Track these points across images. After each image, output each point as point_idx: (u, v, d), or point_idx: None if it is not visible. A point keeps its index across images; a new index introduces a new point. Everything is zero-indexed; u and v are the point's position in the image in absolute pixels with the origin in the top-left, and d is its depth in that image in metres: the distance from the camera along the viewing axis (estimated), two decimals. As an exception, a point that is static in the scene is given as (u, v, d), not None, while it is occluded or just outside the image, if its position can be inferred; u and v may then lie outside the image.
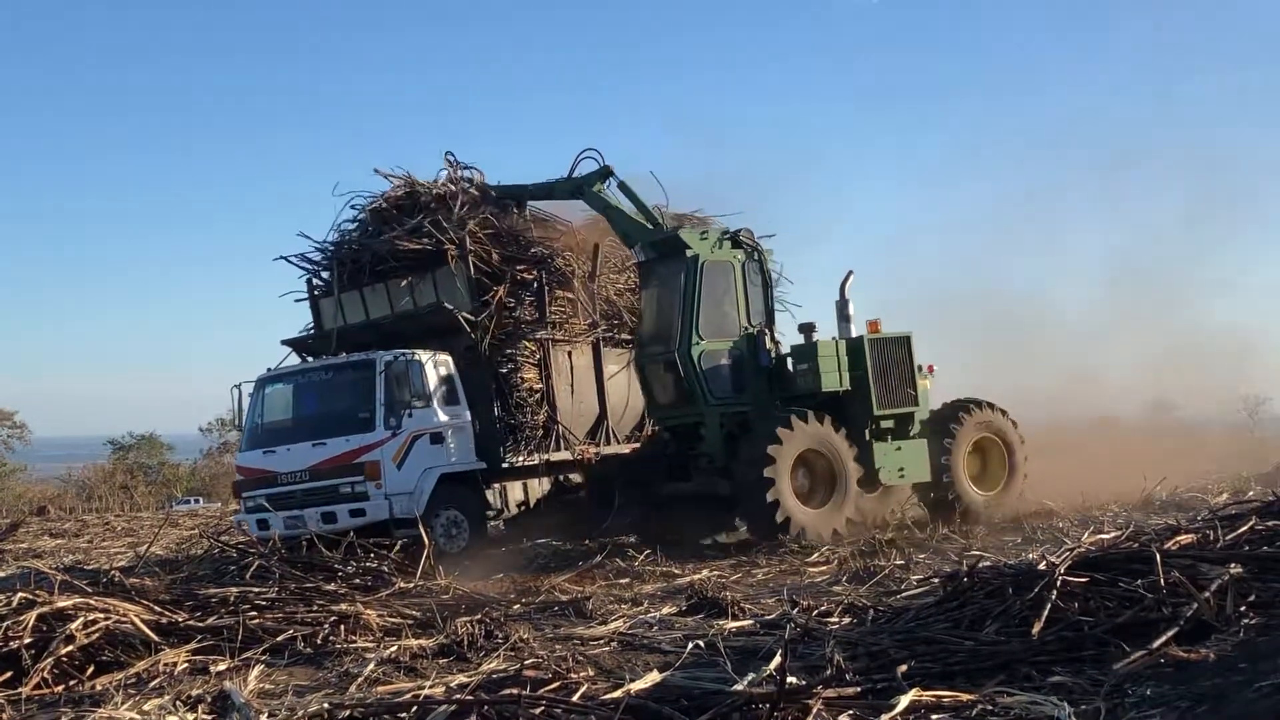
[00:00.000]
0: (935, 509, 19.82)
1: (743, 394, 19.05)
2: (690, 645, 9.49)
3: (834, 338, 19.50)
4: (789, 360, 19.53)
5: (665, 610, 11.88)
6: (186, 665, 9.75)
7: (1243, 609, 8.26)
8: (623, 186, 19.88)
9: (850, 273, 20.05)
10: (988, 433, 20.49)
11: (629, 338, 21.20)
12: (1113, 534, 14.03)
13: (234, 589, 12.28)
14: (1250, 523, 10.90)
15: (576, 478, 21.17)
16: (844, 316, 19.83)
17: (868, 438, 19.12)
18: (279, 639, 10.43)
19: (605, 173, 19.87)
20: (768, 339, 19.18)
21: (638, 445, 21.39)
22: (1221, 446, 29.96)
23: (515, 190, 21.27)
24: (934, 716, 6.56)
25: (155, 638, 10.17)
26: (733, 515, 18.99)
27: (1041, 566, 9.14)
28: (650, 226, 19.58)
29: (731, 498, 18.41)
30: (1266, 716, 5.22)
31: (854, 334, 19.65)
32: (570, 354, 20.44)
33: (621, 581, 14.33)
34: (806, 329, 19.73)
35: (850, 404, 19.11)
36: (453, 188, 20.47)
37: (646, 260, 19.77)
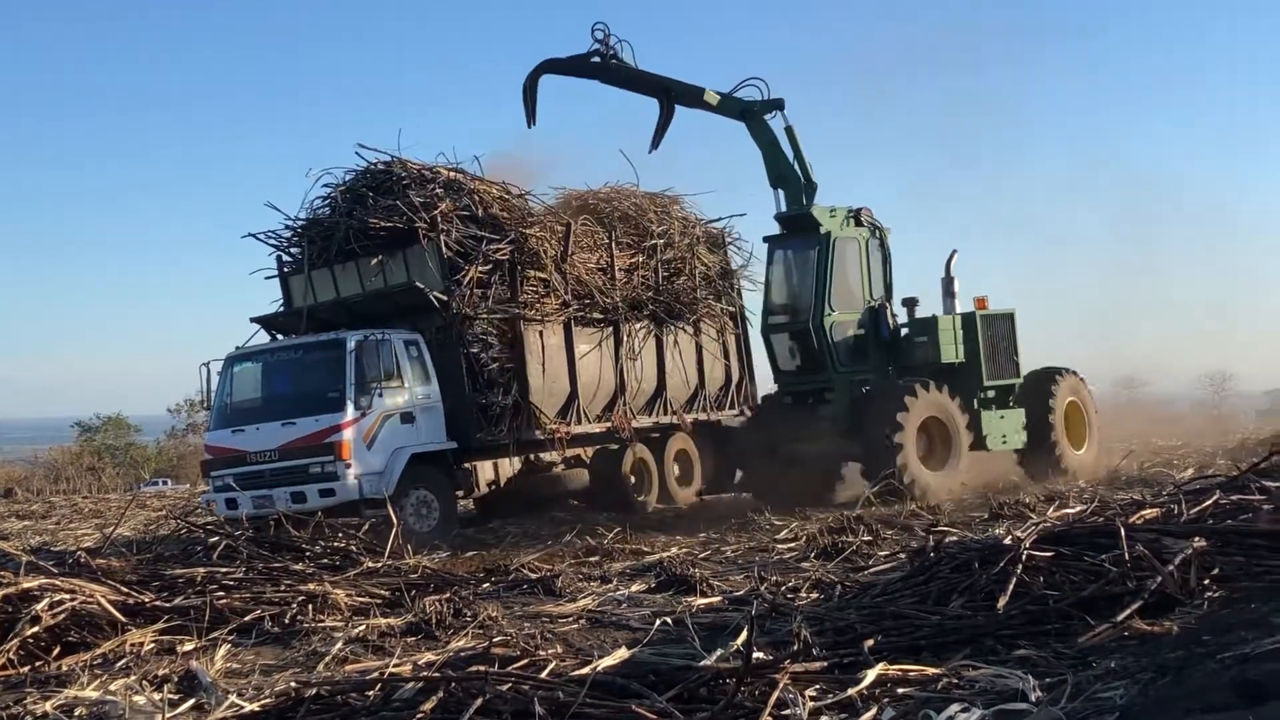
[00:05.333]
0: (1034, 471, 21.07)
1: (865, 363, 20.64)
2: (658, 622, 9.52)
3: (946, 313, 21.21)
4: (903, 332, 21.11)
5: (634, 588, 11.89)
6: (153, 645, 9.70)
7: (1206, 582, 8.34)
8: (789, 131, 20.66)
9: (954, 251, 21.83)
10: (1073, 397, 22.30)
11: (600, 317, 21.23)
12: (1078, 509, 14.13)
13: (201, 569, 12.22)
14: (1214, 497, 11.01)
15: (547, 457, 21.18)
16: (949, 293, 21.52)
17: (976, 406, 20.75)
18: (246, 619, 10.40)
19: (777, 103, 20.59)
20: (888, 312, 20.82)
21: (608, 425, 21.62)
22: (1187, 422, 30.19)
23: (664, 81, 21.19)
24: (900, 690, 6.59)
25: (122, 618, 10.12)
26: (847, 476, 20.52)
27: (1007, 541, 9.18)
28: (804, 180, 20.52)
29: (861, 458, 19.61)
30: (1228, 688, 5.26)
31: (958, 309, 21.32)
32: (542, 334, 20.39)
33: (590, 559, 14.32)
34: (910, 303, 21.34)
35: (961, 375, 20.75)
36: (429, 170, 20.34)
37: (776, 235, 21.03)
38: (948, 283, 21.58)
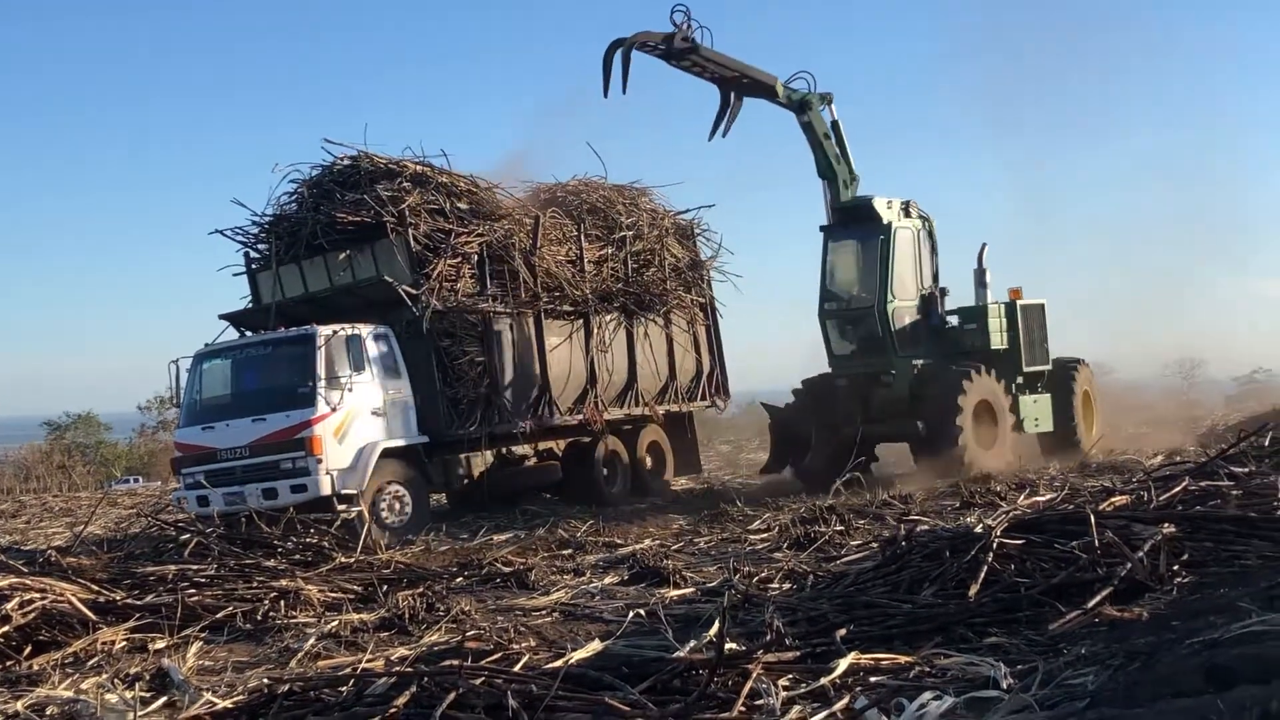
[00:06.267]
0: (1054, 452, 22.13)
1: (919, 348, 21.67)
2: (631, 614, 9.55)
3: (994, 302, 22.42)
4: (952, 319, 22.45)
5: (607, 580, 11.92)
6: (125, 644, 9.68)
7: (1175, 568, 8.41)
8: (835, 124, 21.65)
9: (984, 244, 22.96)
10: (1088, 386, 23.76)
11: (570, 309, 21.21)
12: (1048, 496, 14.22)
13: (172, 567, 12.19)
14: (1183, 483, 11.10)
15: (520, 450, 21.15)
16: (981, 283, 22.65)
17: (1014, 391, 22.00)
18: (218, 616, 10.38)
19: (828, 97, 21.51)
20: (939, 300, 22.02)
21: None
22: (1157, 409, 30.36)
23: (747, 69, 21.27)
24: (872, 679, 6.61)
25: (93, 616, 10.08)
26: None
27: (978, 530, 9.24)
28: (850, 172, 21.61)
29: (923, 438, 20.77)
30: (1197, 673, 5.30)
31: (989, 300, 22.47)
32: (512, 326, 20.35)
33: (564, 553, 14.32)
34: (942, 292, 22.25)
35: (1003, 361, 21.89)
36: (395, 164, 20.23)
37: (832, 224, 21.92)
38: (980, 274, 22.69)
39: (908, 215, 21.83)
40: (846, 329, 22.17)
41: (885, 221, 21.31)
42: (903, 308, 21.54)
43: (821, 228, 22.21)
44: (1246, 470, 11.94)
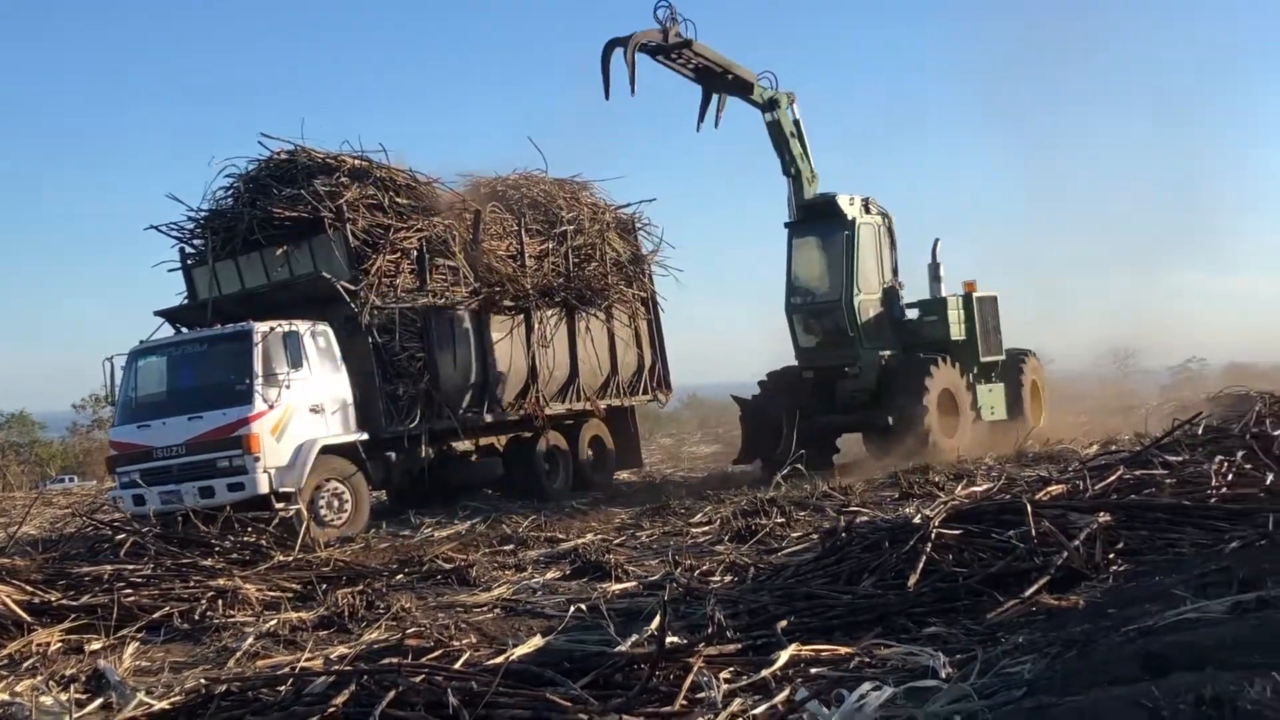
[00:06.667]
0: (1003, 439, 22.20)
1: (883, 340, 22.41)
2: (573, 609, 9.54)
3: (953, 294, 23.13)
4: (911, 312, 23.21)
5: (549, 575, 11.91)
6: (60, 645, 9.58)
7: (1111, 556, 8.51)
8: (797, 123, 22.26)
9: (937, 240, 23.80)
10: (1035, 376, 24.63)
11: (511, 304, 21.13)
12: (986, 486, 14.33)
13: (108, 567, 12.08)
14: (1118, 472, 11.24)
15: (461, 446, 21.06)
16: (935, 277, 23.42)
17: (971, 381, 22.85)
18: (155, 616, 10.30)
19: (791, 96, 22.11)
20: (899, 294, 22.86)
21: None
22: (1094, 399, 30.69)
23: (732, 66, 21.53)
24: (813, 670, 6.64)
25: (27, 618, 9.98)
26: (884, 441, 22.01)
27: (917, 520, 9.30)
28: (811, 170, 22.30)
29: (891, 428, 21.30)
30: (1133, 660, 5.36)
31: (943, 293, 23.21)
32: (452, 322, 20.25)
33: (505, 548, 14.28)
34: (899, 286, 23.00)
35: (961, 352, 22.65)
36: (333, 159, 20.04)
37: (797, 220, 22.54)
38: (934, 268, 23.42)
39: (868, 211, 22.46)
40: (812, 323, 22.77)
41: (849, 217, 21.99)
42: (867, 301, 22.23)
43: (786, 224, 22.77)
44: (1180, 459, 12.08)
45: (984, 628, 7.30)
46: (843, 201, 22.10)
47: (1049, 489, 10.78)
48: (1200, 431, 13.94)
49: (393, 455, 19.60)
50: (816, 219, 22.43)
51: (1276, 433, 12.33)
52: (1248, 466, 11.14)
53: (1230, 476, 10.76)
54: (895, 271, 23.12)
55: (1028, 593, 7.69)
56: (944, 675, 6.23)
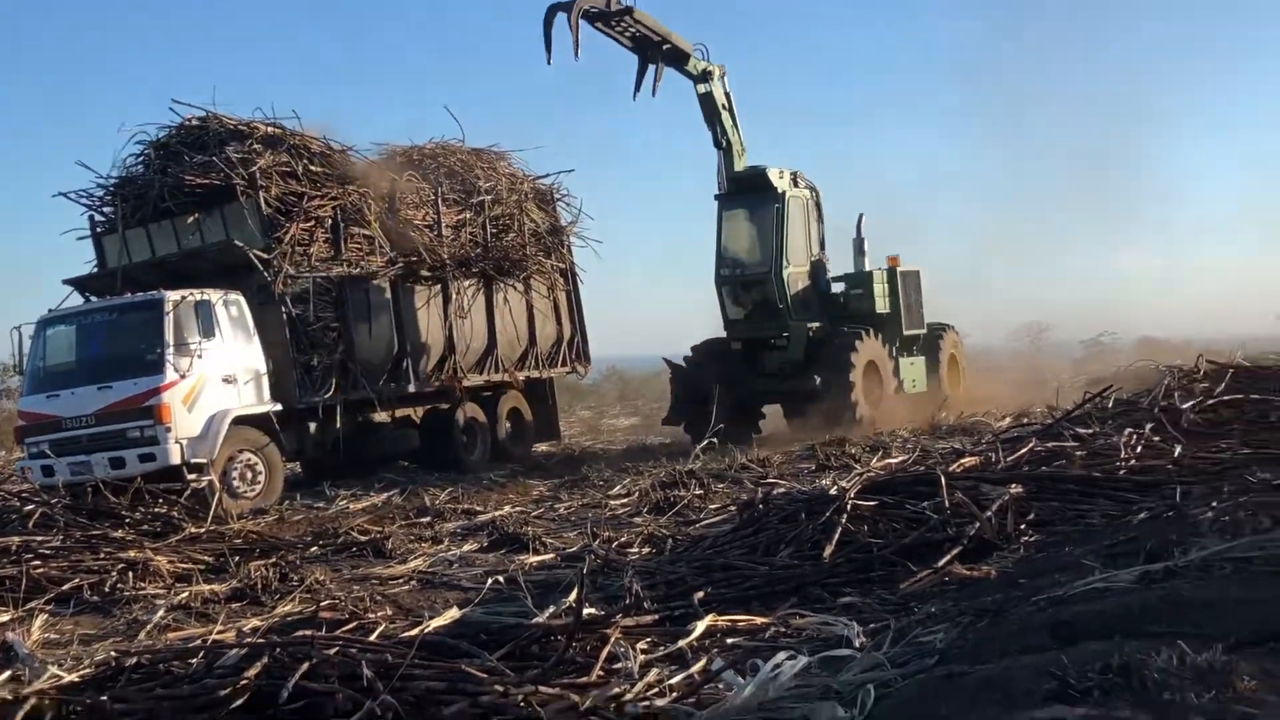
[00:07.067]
0: (923, 411, 22.39)
1: (811, 313, 22.74)
2: (490, 581, 9.51)
3: (878, 268, 23.63)
4: (837, 286, 23.65)
5: (466, 548, 11.87)
6: (-34, 618, 9.38)
7: (1022, 527, 8.64)
8: (727, 95, 22.46)
9: (861, 214, 24.22)
10: (953, 350, 25.20)
11: (428, 275, 20.96)
12: (900, 459, 14.47)
13: (16, 538, 11.85)
14: (1030, 444, 11.39)
15: (376, 418, 20.90)
16: (860, 251, 23.91)
17: (894, 354, 23.27)
18: (64, 588, 10.16)
19: (723, 69, 22.37)
20: (825, 267, 23.30)
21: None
22: (1007, 373, 31.08)
23: (670, 36, 21.56)
24: (729, 640, 6.67)
25: (-69, 591, 9.77)
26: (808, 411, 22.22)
27: (833, 492, 9.36)
28: (741, 144, 22.51)
29: (817, 395, 21.66)
30: (1043, 629, 5.42)
31: (867, 267, 23.74)
32: (367, 292, 20.06)
33: (422, 520, 14.19)
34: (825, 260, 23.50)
35: (885, 325, 23.05)
36: (246, 125, 19.73)
37: (727, 193, 22.80)
38: (859, 243, 23.91)
39: (797, 185, 22.83)
40: (742, 294, 23.05)
41: (779, 190, 22.33)
42: (796, 274, 22.58)
43: (716, 196, 23.02)
44: (1091, 431, 12.27)
45: (898, 598, 7.38)
46: (773, 174, 22.41)
47: (962, 461, 10.89)
48: (1110, 405, 14.16)
49: (309, 426, 19.42)
50: (746, 191, 22.72)
51: (1185, 406, 12.52)
52: (1156, 439, 11.34)
53: (1139, 449, 10.94)
54: (823, 245, 23.48)
55: (941, 563, 7.77)
56: (858, 645, 6.28)
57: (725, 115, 22.35)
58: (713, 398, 21.26)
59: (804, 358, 22.34)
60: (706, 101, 22.21)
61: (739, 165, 22.61)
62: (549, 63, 20.51)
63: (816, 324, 22.64)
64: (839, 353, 21.76)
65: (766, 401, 23.69)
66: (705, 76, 22.08)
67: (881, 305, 23.26)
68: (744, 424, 22.25)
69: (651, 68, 21.94)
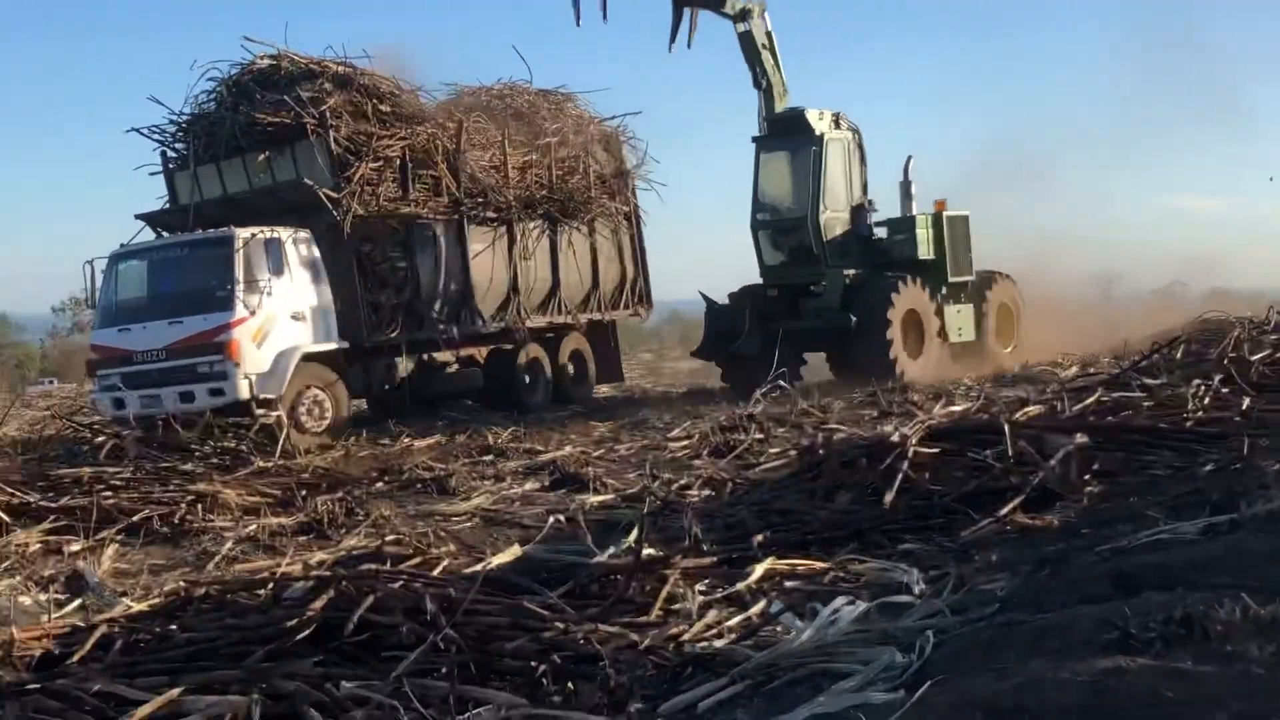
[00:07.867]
0: (976, 361, 22.34)
1: (849, 259, 22.12)
2: (551, 520, 9.59)
3: (921, 213, 22.72)
4: (879, 231, 22.87)
5: (528, 486, 11.97)
6: (39, 546, 9.59)
7: (1087, 477, 8.56)
8: (769, 35, 21.92)
9: (910, 157, 23.45)
10: (1005, 299, 24.17)
11: (494, 216, 21.01)
12: (964, 407, 14.39)
13: (88, 469, 12.09)
14: (1096, 395, 11.31)
15: (441, 357, 21.05)
16: (907, 195, 22.93)
17: (939, 301, 22.46)
18: (134, 519, 10.31)
19: (763, 7, 21.71)
20: (867, 210, 22.56)
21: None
22: (1077, 322, 30.72)
23: None
24: (788, 584, 6.70)
25: (7, 519, 10.01)
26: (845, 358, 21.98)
27: (894, 438, 9.33)
28: (783, 85, 22.04)
29: (853, 337, 21.10)
30: (1105, 580, 5.40)
31: (914, 211, 22.75)
32: (434, 233, 20.14)
33: (485, 459, 14.32)
34: (869, 204, 22.79)
35: (929, 271, 22.28)
36: (317, 65, 19.80)
37: (765, 135, 22.32)
38: (906, 186, 22.97)
39: (838, 127, 22.16)
40: (778, 239, 22.56)
41: (818, 132, 21.62)
42: (834, 219, 21.94)
43: (754, 139, 22.48)
44: (1158, 381, 12.15)
45: (958, 545, 7.36)
46: (811, 116, 21.81)
47: (1027, 410, 10.84)
48: (1179, 355, 14.00)
49: (373, 364, 19.60)
50: (784, 134, 22.21)
51: (1254, 358, 12.36)
52: (1224, 391, 11.21)
53: (1207, 400, 10.83)
54: (865, 189, 22.86)
55: (1003, 511, 7.73)
56: (917, 591, 6.29)
57: (766, 55, 21.84)
58: (749, 341, 21.44)
59: (841, 305, 21.57)
60: (745, 41, 21.73)
61: (779, 106, 22.13)
62: (578, 24, 20.68)
63: (854, 270, 21.95)
64: (876, 298, 21.13)
65: (806, 348, 22.91)
66: (744, 15, 21.56)
67: (925, 251, 22.42)
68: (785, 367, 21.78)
69: (687, 15, 21.61)
